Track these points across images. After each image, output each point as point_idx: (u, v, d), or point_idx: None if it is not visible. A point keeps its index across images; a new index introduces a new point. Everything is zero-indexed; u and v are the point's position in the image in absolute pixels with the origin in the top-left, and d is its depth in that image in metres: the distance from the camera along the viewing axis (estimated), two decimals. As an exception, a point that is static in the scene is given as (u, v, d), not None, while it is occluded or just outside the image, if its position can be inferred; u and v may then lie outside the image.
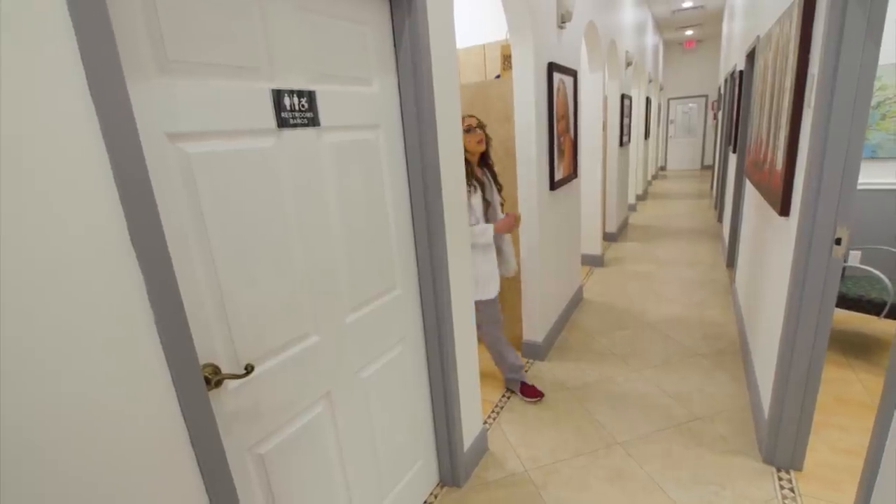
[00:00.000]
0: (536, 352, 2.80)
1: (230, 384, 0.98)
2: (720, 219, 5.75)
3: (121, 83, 0.69)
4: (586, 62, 4.03)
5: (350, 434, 1.37)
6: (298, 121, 1.11)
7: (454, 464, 1.84)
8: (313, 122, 1.15)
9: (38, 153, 0.62)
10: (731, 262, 4.11)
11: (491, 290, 2.21)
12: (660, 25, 8.93)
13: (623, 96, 5.12)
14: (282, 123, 1.07)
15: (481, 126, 2.12)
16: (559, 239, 3.03)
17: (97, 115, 0.67)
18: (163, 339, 0.77)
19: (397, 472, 1.61)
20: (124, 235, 0.71)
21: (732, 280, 3.81)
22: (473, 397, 1.95)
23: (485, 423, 2.21)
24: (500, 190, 2.26)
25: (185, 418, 0.82)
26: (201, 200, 0.90)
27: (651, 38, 7.95)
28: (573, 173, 3.21)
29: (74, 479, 0.68)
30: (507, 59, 2.67)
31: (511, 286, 2.79)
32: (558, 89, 2.70)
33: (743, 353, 2.69)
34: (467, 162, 2.03)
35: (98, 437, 0.71)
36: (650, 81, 8.08)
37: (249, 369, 0.99)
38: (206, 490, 0.87)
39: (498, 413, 2.34)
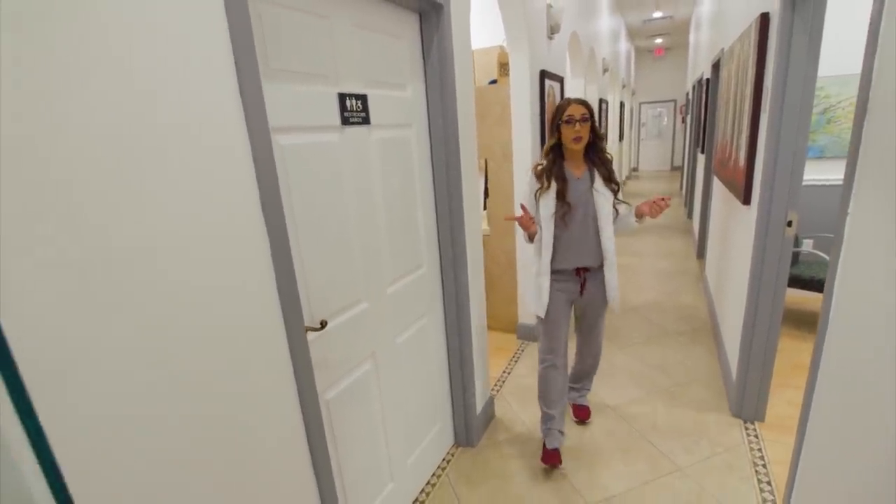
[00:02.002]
0: (530, 334, 3.06)
1: (309, 335, 1.19)
2: (690, 215, 6.18)
3: (258, 87, 0.90)
4: (569, 69, 4.34)
5: (388, 392, 1.58)
6: (356, 119, 1.33)
7: (468, 426, 2.07)
8: (366, 120, 1.37)
9: (213, 136, 0.83)
10: (702, 253, 4.48)
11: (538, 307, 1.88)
12: (632, 33, 9.43)
13: (601, 100, 5.48)
14: (344, 121, 1.29)
15: (584, 118, 1.68)
16: (549, 231, 3.30)
17: (244, 110, 0.88)
18: (280, 289, 0.98)
19: (421, 431, 1.83)
20: (258, 206, 0.92)
21: (703, 269, 4.18)
22: (483, 367, 2.19)
23: (491, 392, 2.45)
24: (616, 190, 1.79)
25: (291, 352, 1.03)
26: (290, 183, 1.11)
27: (624, 46, 8.41)
28: (560, 171, 3.49)
29: (238, 385, 0.88)
30: (503, 67, 2.93)
31: (506, 271, 3.05)
32: (549, 94, 2.98)
33: (714, 330, 3.02)
34: (550, 155, 1.76)
35: (242, 360, 0.91)
36: (623, 86, 8.54)
37: (324, 324, 1.20)
38: (302, 411, 1.08)
39: (502, 385, 2.58)
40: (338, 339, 1.31)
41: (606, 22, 5.82)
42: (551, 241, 1.78)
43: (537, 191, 1.78)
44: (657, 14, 7.74)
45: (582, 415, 2.21)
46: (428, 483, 1.89)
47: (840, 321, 1.09)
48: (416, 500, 1.81)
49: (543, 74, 2.82)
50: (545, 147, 1.80)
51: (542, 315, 1.86)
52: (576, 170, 1.78)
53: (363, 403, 1.45)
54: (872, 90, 0.94)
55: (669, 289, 3.91)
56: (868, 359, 0.98)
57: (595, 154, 1.79)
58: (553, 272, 1.83)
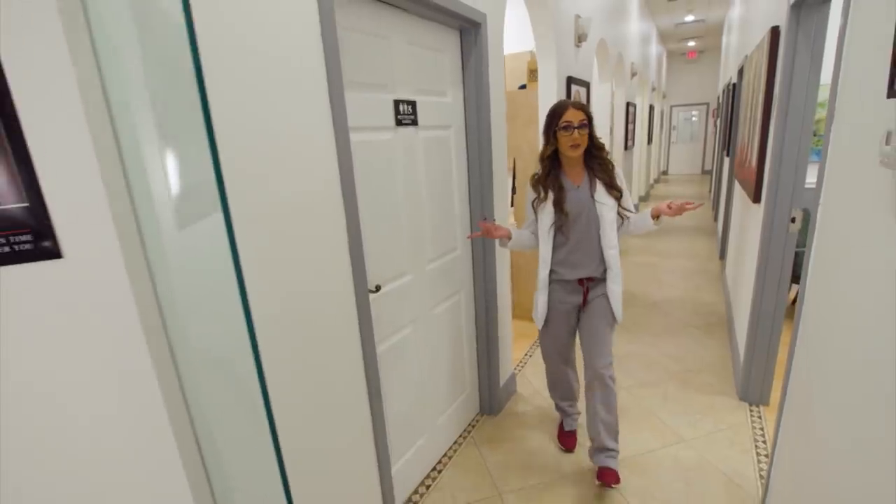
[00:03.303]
0: (552, 322, 3.27)
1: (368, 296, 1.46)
2: (716, 218, 6.23)
3: (342, 97, 1.18)
4: (597, 74, 4.52)
5: (424, 357, 1.84)
6: (407, 121, 1.59)
7: (492, 396, 2.31)
8: (415, 122, 1.63)
9: (316, 136, 1.10)
10: (723, 254, 4.58)
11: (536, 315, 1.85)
12: (663, 37, 9.44)
13: (628, 104, 5.61)
14: (398, 123, 1.55)
15: (582, 124, 1.60)
16: (572, 227, 3.51)
17: (332, 115, 1.15)
18: (351, 253, 1.26)
19: (450, 396, 2.09)
20: (339, 189, 1.20)
21: (723, 268, 4.28)
22: (507, 344, 2.42)
23: (514, 370, 2.69)
24: (619, 197, 1.71)
25: (357, 306, 1.30)
26: (357, 172, 1.38)
27: (655, 49, 8.45)
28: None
29: (315, 328, 1.16)
30: (532, 73, 3.16)
31: (529, 262, 3.27)
32: (574, 99, 3.19)
33: (728, 324, 3.16)
34: (545, 164, 1.69)
35: (320, 310, 1.18)
36: (653, 90, 8.58)
37: (378, 288, 1.47)
38: (363, 350, 1.35)
39: (523, 366, 2.81)
40: (387, 302, 1.58)
41: (636, 26, 5.94)
42: (549, 255, 1.72)
43: (534, 201, 1.72)
44: (689, 18, 7.77)
45: (608, 478, 1.72)
46: (455, 443, 2.14)
47: (812, 300, 1.28)
48: (446, 454, 2.07)
49: (570, 80, 3.04)
50: (540, 154, 1.71)
51: (540, 326, 1.85)
52: (575, 178, 1.70)
53: (403, 363, 1.72)
54: (838, 98, 1.13)
55: (690, 286, 4.04)
56: (834, 338, 1.17)
57: (594, 161, 1.69)
58: (554, 283, 1.78)
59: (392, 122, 1.53)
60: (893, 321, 0.73)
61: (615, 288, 1.75)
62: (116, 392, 0.80)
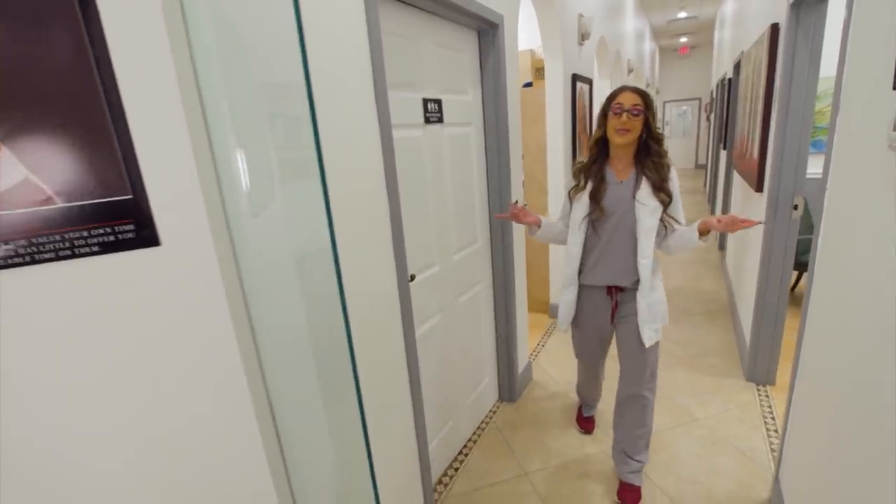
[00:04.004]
0: (561, 313, 3.37)
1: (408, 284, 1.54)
2: (713, 211, 6.36)
3: (385, 97, 1.25)
4: (597, 71, 4.62)
5: (451, 343, 1.93)
6: (434, 119, 1.68)
7: (511, 383, 2.40)
8: (440, 120, 1.72)
9: (366, 133, 1.18)
10: (722, 245, 4.70)
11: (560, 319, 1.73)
12: (656, 33, 9.57)
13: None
14: (426, 120, 1.64)
15: (635, 109, 1.45)
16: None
17: (377, 113, 1.23)
18: (394, 242, 1.34)
19: (473, 381, 2.17)
20: (383, 181, 1.28)
21: (723, 258, 4.40)
22: (524, 333, 2.51)
23: (529, 357, 2.78)
24: (667, 203, 1.52)
25: (399, 292, 1.38)
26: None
27: (648, 45, 8.58)
28: (588, 166, 3.79)
29: (368, 313, 1.24)
30: (538, 71, 3.24)
31: (539, 255, 3.36)
32: (579, 95, 3.28)
33: (731, 310, 3.28)
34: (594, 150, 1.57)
35: (371, 297, 1.27)
36: (647, 86, 8.70)
37: (413, 277, 1.55)
38: (404, 336, 1.43)
39: (537, 355, 2.91)
40: (420, 291, 1.66)
41: (631, 23, 6.05)
42: (579, 249, 1.59)
43: (571, 189, 1.62)
44: (682, 14, 7.90)
45: (629, 499, 1.68)
46: (478, 428, 2.23)
47: (820, 283, 1.38)
48: (470, 439, 2.16)
49: (575, 78, 3.13)
50: (590, 140, 1.58)
51: (563, 328, 1.71)
52: (620, 172, 1.55)
53: (433, 348, 1.80)
54: (843, 90, 1.23)
55: (690, 276, 4.16)
56: (842, 321, 1.27)
57: (647, 156, 1.52)
58: (583, 285, 1.65)
59: (421, 119, 1.61)
60: (904, 287, 0.83)
61: (644, 304, 1.54)
62: (206, 367, 0.88)
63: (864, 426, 0.98)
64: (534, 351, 2.96)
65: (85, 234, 0.78)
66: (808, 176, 2.11)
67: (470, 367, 2.12)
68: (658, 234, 1.54)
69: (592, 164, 1.58)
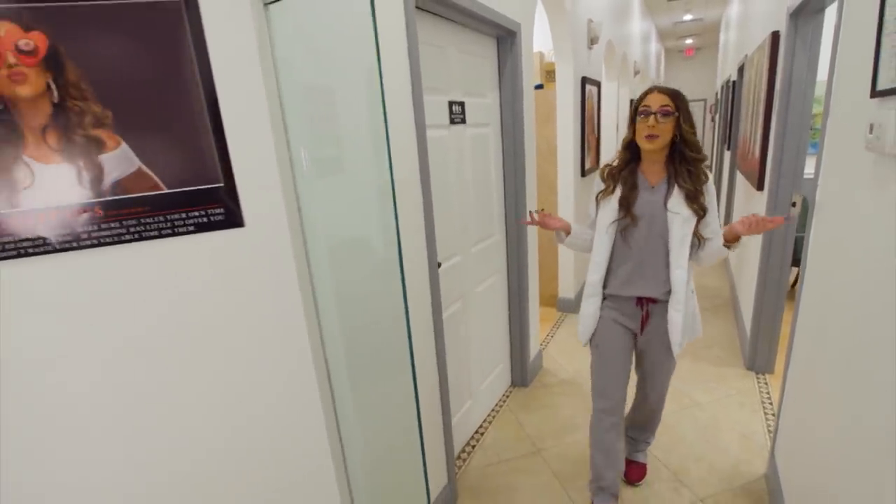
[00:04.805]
0: (569, 306, 3.51)
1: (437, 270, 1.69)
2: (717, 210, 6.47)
3: (421, 99, 1.40)
4: (604, 73, 4.75)
5: (470, 329, 2.07)
6: (457, 120, 1.82)
7: (523, 369, 2.54)
8: (463, 120, 1.86)
9: (404, 130, 1.33)
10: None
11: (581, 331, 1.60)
12: (662, 35, 9.68)
13: (632, 101, 5.85)
14: (451, 121, 1.78)
15: (664, 111, 1.34)
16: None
17: (413, 114, 1.38)
18: (426, 231, 1.48)
19: (489, 365, 2.32)
20: (418, 174, 1.43)
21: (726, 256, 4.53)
22: (535, 323, 2.65)
23: (540, 346, 2.92)
24: (702, 215, 1.41)
25: (429, 279, 1.53)
26: (422, 164, 1.61)
27: (654, 47, 8.70)
28: (596, 164, 3.93)
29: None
30: (548, 73, 3.39)
31: (548, 250, 3.50)
32: (588, 97, 3.42)
33: (733, 304, 3.41)
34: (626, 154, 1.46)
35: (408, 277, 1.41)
36: (653, 87, 8.82)
37: (439, 265, 1.70)
38: (433, 317, 1.58)
39: (546, 345, 3.05)
40: (445, 279, 1.80)
41: (638, 25, 6.18)
42: (605, 258, 1.48)
43: (599, 193, 1.50)
44: (688, 17, 8.01)
45: (634, 475, 1.81)
46: (493, 410, 2.37)
47: (811, 276, 1.51)
48: (486, 419, 2.30)
49: (584, 81, 3.27)
50: (621, 144, 1.49)
51: (584, 342, 1.59)
52: (651, 176, 1.44)
53: (455, 333, 1.94)
54: (833, 95, 1.36)
55: (696, 272, 4.27)
56: (832, 310, 1.40)
57: (682, 162, 1.40)
58: (608, 297, 1.53)
59: (447, 120, 1.76)
60: (880, 281, 0.96)
61: (675, 316, 1.44)
62: (276, 330, 1.03)
63: (847, 407, 1.11)
64: (544, 341, 3.10)
65: (184, 215, 0.93)
66: (806, 176, 2.24)
67: (486, 352, 2.26)
68: (692, 246, 1.43)
69: (623, 167, 1.46)
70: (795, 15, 2.02)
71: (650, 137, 1.36)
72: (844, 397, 1.13)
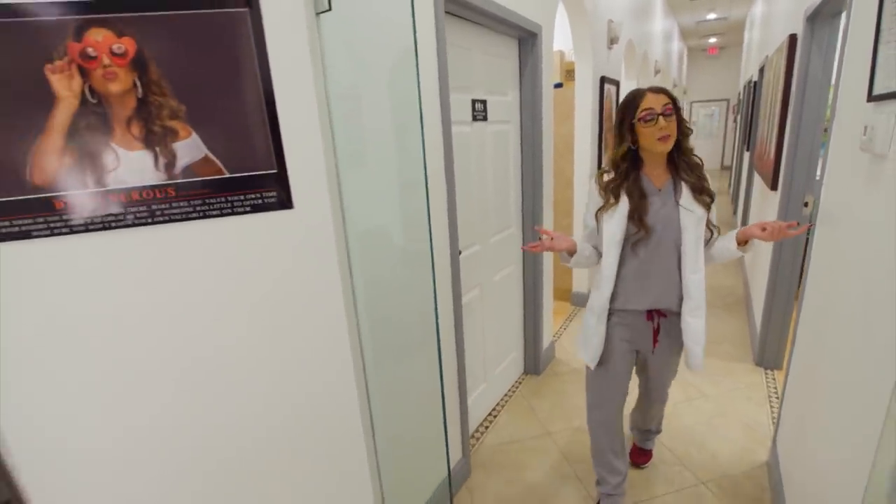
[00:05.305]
0: (582, 300, 3.59)
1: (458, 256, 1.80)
2: (735, 211, 6.45)
3: (448, 98, 1.51)
4: (624, 72, 4.79)
5: (487, 316, 2.18)
6: (480, 117, 1.93)
7: (536, 357, 2.65)
8: (485, 118, 1.97)
9: (432, 125, 1.44)
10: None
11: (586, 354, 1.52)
12: (685, 34, 9.59)
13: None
14: (473, 118, 1.89)
15: (668, 110, 1.28)
16: (601, 215, 3.82)
17: (440, 111, 1.50)
18: (449, 219, 1.60)
19: (502, 354, 2.43)
20: (443, 166, 1.54)
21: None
22: (549, 314, 2.76)
23: (553, 337, 3.02)
24: (710, 204, 1.37)
25: (451, 264, 1.65)
26: (446, 158, 1.73)
27: (676, 46, 8.63)
28: (613, 163, 3.99)
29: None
30: (568, 72, 3.46)
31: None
32: (606, 97, 3.48)
33: (746, 302, 3.45)
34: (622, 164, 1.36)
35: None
36: (674, 86, 8.76)
37: (460, 251, 1.82)
38: (453, 301, 1.69)
39: (559, 337, 3.15)
40: (464, 266, 1.92)
41: (660, 24, 6.17)
42: (613, 270, 1.38)
43: (599, 210, 1.40)
44: (711, 16, 7.94)
45: (640, 460, 1.92)
46: (505, 395, 2.49)
47: (814, 274, 1.58)
48: (499, 403, 2.42)
49: (603, 80, 3.34)
50: (613, 156, 1.38)
51: (592, 365, 1.49)
52: (656, 179, 1.37)
53: (472, 318, 2.06)
54: (839, 98, 1.43)
55: (710, 271, 4.28)
56: (833, 305, 1.47)
57: (681, 157, 1.36)
58: (615, 312, 1.44)
59: (469, 117, 1.87)
60: (871, 279, 1.05)
61: (693, 322, 1.38)
62: (319, 303, 1.16)
63: (841, 401, 1.19)
64: (556, 333, 3.20)
65: (241, 197, 1.06)
66: (819, 177, 2.29)
67: (500, 339, 2.37)
68: (704, 243, 1.38)
69: (625, 179, 1.36)
70: (812, 18, 2.07)
71: (665, 139, 1.29)
72: (840, 392, 1.20)
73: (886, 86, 1.00)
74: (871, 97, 1.07)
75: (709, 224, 1.38)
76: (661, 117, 1.27)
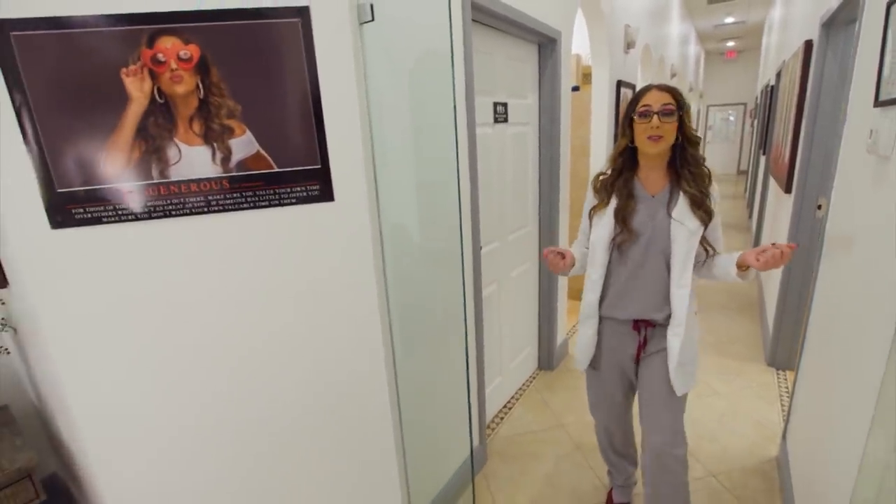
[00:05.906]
0: (596, 300, 3.64)
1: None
2: (751, 215, 6.43)
3: (473, 100, 1.61)
4: (640, 76, 4.83)
5: (503, 310, 2.26)
6: (501, 119, 2.02)
7: (549, 353, 2.72)
8: (506, 120, 2.06)
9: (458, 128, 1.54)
10: (757, 245, 4.83)
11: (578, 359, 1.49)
12: (702, 37, 9.56)
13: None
14: (495, 120, 1.98)
15: (667, 110, 1.20)
16: (616, 216, 3.88)
17: (466, 113, 1.59)
18: (472, 218, 1.69)
19: (517, 348, 2.50)
20: (467, 164, 1.63)
21: (757, 260, 4.55)
22: (563, 312, 2.83)
23: (566, 335, 3.09)
24: (707, 221, 1.28)
25: (473, 258, 1.73)
26: (469, 158, 1.82)
27: (693, 49, 8.62)
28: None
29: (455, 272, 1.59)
30: (585, 76, 3.53)
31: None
32: (623, 100, 3.54)
33: (759, 304, 3.47)
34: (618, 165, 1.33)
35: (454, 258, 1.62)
36: (690, 90, 8.74)
37: (480, 248, 1.90)
38: (475, 294, 1.78)
39: (573, 333, 3.21)
40: (484, 261, 2.01)
41: (676, 28, 6.20)
42: (601, 274, 1.34)
43: (592, 208, 1.36)
44: (729, 19, 7.92)
45: None
46: (519, 388, 2.56)
47: (824, 276, 1.63)
48: (513, 396, 2.49)
49: (619, 84, 3.40)
50: (613, 151, 1.34)
51: (581, 368, 1.47)
52: (651, 185, 1.31)
53: (490, 312, 2.14)
54: (850, 103, 1.49)
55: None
56: (841, 309, 1.53)
57: (684, 166, 1.28)
58: (604, 319, 1.40)
59: (491, 119, 1.96)
60: (870, 281, 1.11)
61: (674, 342, 1.30)
62: (355, 288, 1.26)
63: (847, 396, 1.25)
64: (570, 330, 3.26)
65: (288, 190, 1.17)
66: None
67: (516, 333, 2.45)
68: (697, 260, 1.30)
69: (617, 177, 1.32)
70: (828, 25, 2.12)
71: (653, 139, 1.22)
72: (847, 390, 1.25)
73: (889, 92, 1.06)
74: (878, 102, 1.13)
75: (703, 241, 1.29)
76: (655, 116, 1.20)
